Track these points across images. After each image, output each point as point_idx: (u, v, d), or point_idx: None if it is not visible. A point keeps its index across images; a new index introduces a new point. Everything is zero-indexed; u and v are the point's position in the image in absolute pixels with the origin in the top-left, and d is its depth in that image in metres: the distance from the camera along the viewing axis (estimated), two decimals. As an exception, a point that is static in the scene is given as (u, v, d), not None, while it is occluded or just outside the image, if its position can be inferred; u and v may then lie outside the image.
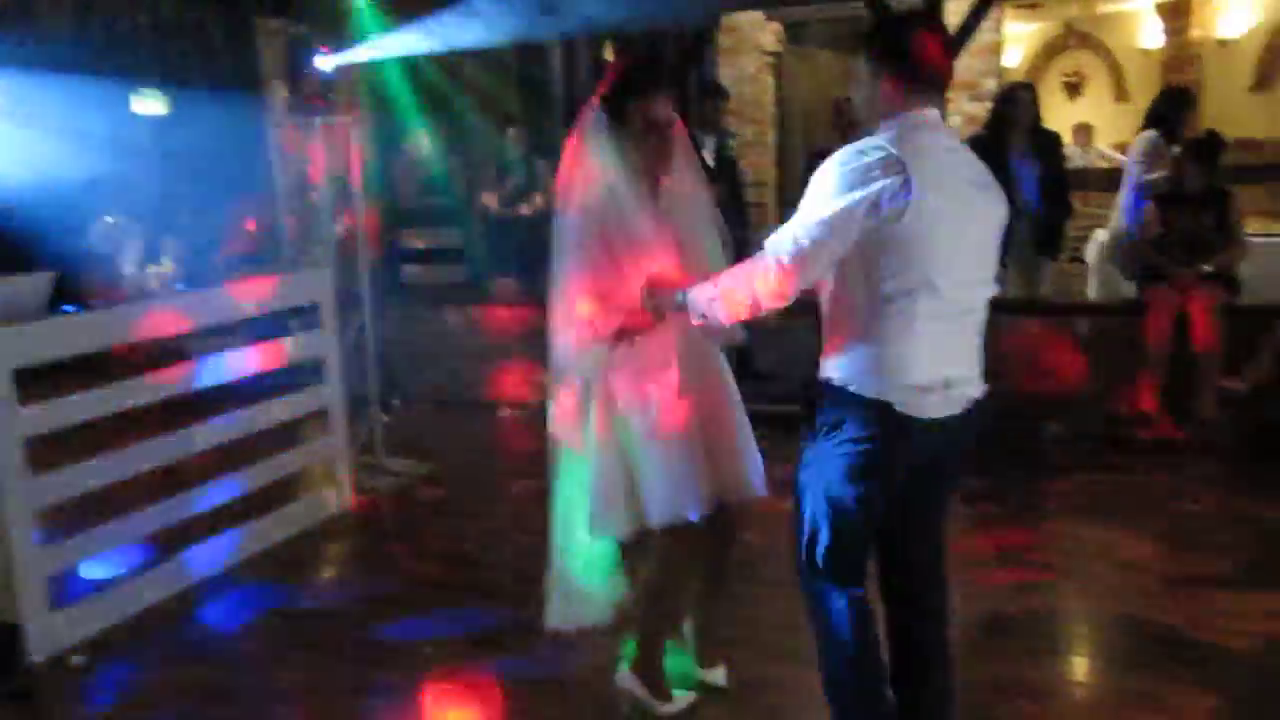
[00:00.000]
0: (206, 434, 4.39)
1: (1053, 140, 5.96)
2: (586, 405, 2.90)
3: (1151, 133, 6.06)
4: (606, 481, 2.88)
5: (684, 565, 3.03)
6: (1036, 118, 5.80)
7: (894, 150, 2.27)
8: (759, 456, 3.06)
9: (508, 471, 5.59)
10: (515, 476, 5.45)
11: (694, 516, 2.87)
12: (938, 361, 2.38)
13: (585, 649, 3.62)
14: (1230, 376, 5.22)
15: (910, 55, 2.39)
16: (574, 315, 2.82)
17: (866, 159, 2.27)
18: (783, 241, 2.34)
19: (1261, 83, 11.13)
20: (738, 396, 3.07)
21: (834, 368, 2.45)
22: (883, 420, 2.38)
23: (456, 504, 5.20)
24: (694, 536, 2.94)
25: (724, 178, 6.51)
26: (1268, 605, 3.74)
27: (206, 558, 4.36)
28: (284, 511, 4.78)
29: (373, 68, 5.34)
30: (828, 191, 2.29)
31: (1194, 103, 6.25)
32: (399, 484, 5.45)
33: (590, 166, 2.83)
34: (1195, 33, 11.55)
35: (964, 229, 2.36)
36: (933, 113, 2.42)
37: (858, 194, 2.25)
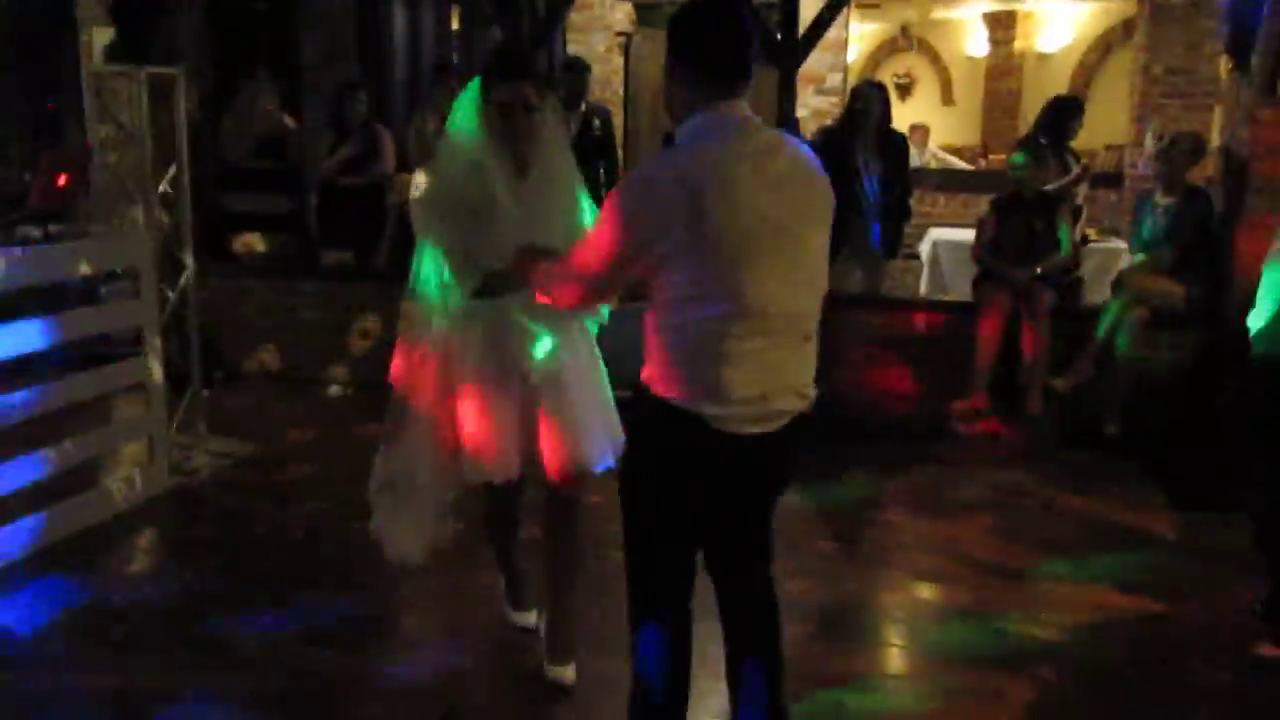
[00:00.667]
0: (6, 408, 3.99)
1: (900, 141, 6.09)
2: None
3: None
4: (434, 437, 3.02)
5: (492, 520, 3.30)
6: (887, 118, 5.91)
7: (684, 166, 2.21)
8: (603, 434, 3.04)
9: (337, 452, 5.31)
10: (345, 458, 5.19)
11: (481, 480, 3.00)
12: (752, 377, 2.27)
13: (427, 649, 3.48)
14: (1055, 375, 5.45)
15: (702, 48, 2.27)
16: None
17: (654, 185, 2.23)
18: (575, 263, 2.42)
19: (1076, 95, 11.78)
20: (594, 374, 3.08)
21: (650, 373, 2.37)
22: (693, 434, 2.29)
23: (282, 488, 4.90)
24: (504, 499, 3.17)
25: (599, 156, 6.37)
26: (1091, 597, 3.91)
27: (4, 545, 3.96)
28: (92, 494, 4.41)
29: (205, 16, 4.95)
30: (616, 219, 2.25)
31: (1080, 111, 6.25)
32: (220, 466, 5.11)
33: (458, 138, 2.94)
34: (1018, 44, 12.16)
35: (768, 236, 2.24)
36: (733, 109, 2.27)
37: (642, 223, 2.21)
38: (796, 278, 2.30)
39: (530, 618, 3.49)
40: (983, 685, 3.32)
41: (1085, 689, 3.31)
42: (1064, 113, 6.30)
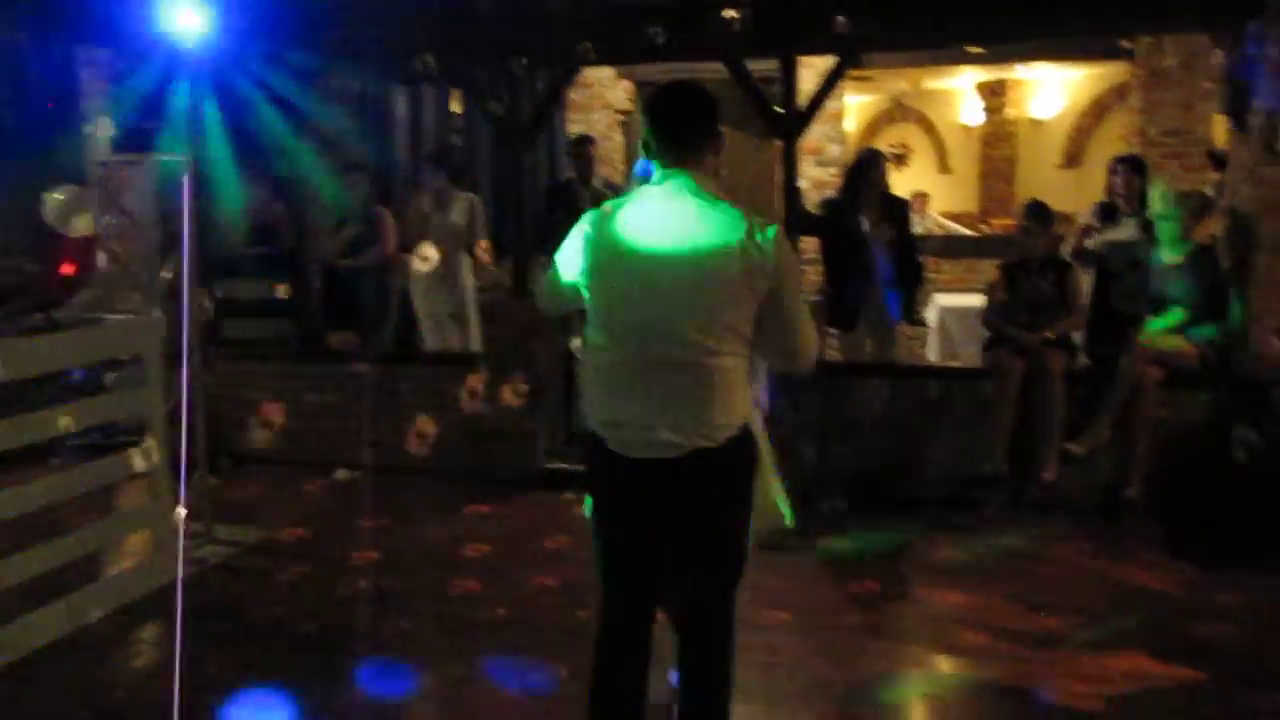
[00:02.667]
0: (9, 501, 3.92)
1: (902, 207, 6.09)
2: None
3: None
4: None
5: None
6: (886, 185, 5.92)
7: (597, 215, 2.62)
8: None
9: (346, 539, 5.21)
10: (354, 545, 5.09)
11: None
12: (626, 404, 2.54)
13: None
14: (1071, 440, 5.37)
15: (648, 129, 2.65)
16: None
17: (582, 223, 2.66)
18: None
19: (1070, 160, 11.92)
20: None
21: None
22: (594, 450, 2.64)
23: (293, 576, 4.80)
24: None
25: None
26: (1121, 667, 3.80)
27: (7, 642, 3.85)
28: (98, 587, 4.30)
29: (206, 103, 4.99)
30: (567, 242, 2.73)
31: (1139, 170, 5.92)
32: (229, 554, 5.02)
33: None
34: (1011, 112, 12.31)
35: (645, 287, 2.51)
36: (666, 178, 2.59)
37: (568, 247, 2.68)
38: (681, 319, 2.50)
39: None
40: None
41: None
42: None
